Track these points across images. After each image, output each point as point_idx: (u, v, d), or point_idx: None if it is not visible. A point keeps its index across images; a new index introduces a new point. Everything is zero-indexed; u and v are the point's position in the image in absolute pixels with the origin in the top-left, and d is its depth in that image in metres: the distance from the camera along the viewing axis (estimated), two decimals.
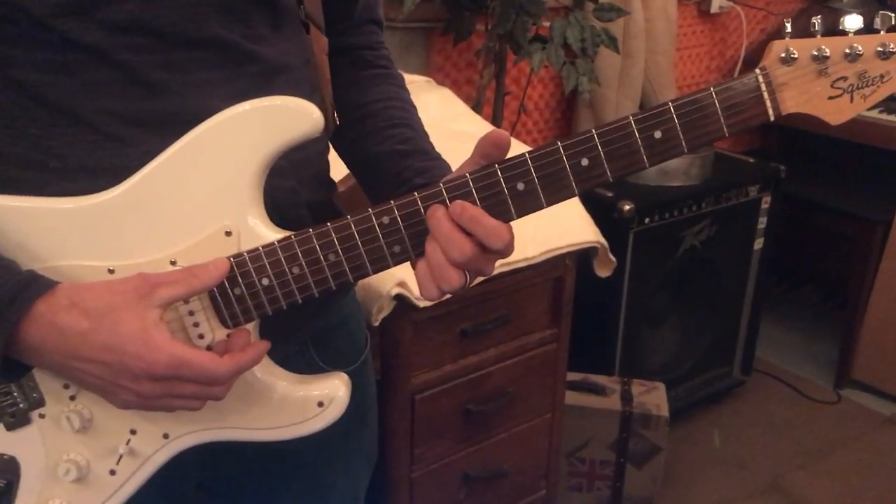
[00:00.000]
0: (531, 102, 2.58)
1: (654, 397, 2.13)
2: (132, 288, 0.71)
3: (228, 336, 0.77)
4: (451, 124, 1.84)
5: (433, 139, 0.96)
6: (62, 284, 0.72)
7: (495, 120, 2.25)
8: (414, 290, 1.43)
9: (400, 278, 1.40)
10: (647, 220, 2.22)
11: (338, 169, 0.98)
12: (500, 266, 1.55)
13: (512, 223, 0.76)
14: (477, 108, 2.15)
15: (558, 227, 1.68)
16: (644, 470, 2.13)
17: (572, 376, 2.08)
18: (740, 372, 2.72)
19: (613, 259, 1.79)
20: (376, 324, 1.41)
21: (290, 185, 0.82)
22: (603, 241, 1.74)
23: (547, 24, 2.11)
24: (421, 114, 0.99)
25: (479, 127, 1.89)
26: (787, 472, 2.41)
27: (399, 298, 1.42)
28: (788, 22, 0.72)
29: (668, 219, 2.27)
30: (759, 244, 2.55)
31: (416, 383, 1.58)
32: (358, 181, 0.98)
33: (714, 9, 2.91)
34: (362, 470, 1.07)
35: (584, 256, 1.76)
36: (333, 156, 0.96)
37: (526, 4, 2.04)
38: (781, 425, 2.64)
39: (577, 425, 2.07)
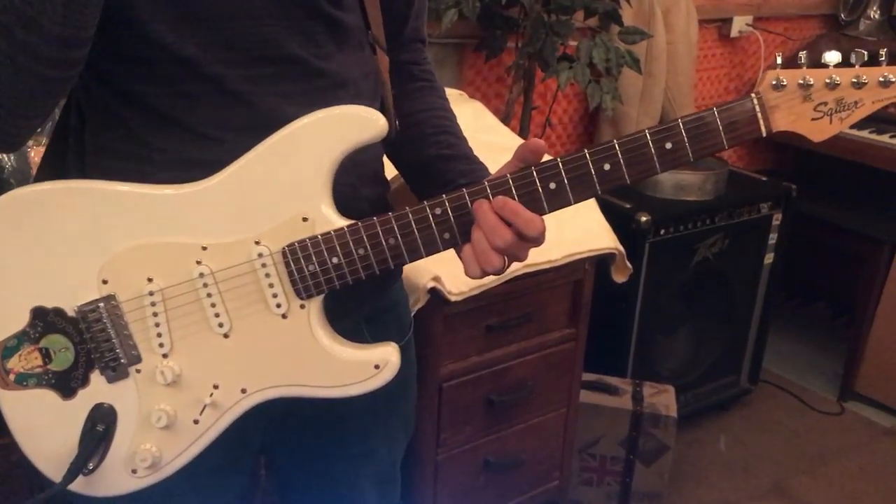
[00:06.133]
0: (556, 117, 2.69)
1: (663, 399, 2.23)
2: None
3: (302, 307, 0.90)
4: (481, 135, 1.94)
5: None
6: None
7: (522, 133, 2.36)
8: (447, 286, 1.56)
9: (435, 273, 1.53)
10: (662, 232, 2.33)
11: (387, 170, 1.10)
12: (525, 267, 1.68)
13: None
14: (505, 121, 2.27)
15: (580, 234, 1.79)
16: (652, 467, 2.23)
17: (587, 377, 2.18)
18: (747, 381, 2.81)
19: (630, 266, 1.90)
20: (412, 314, 1.53)
21: (350, 182, 0.95)
22: (621, 248, 1.85)
23: (574, 44, 2.24)
24: None
25: (508, 139, 2.01)
26: (790, 476, 2.52)
27: (433, 292, 1.55)
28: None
29: (682, 231, 2.38)
30: (769, 259, 2.65)
31: (444, 373, 1.70)
32: (406, 181, 1.11)
33: (734, 33, 3.02)
34: (400, 436, 1.19)
35: (602, 262, 1.88)
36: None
37: (555, 25, 2.17)
38: (786, 433, 2.73)
39: (590, 422, 2.18)
